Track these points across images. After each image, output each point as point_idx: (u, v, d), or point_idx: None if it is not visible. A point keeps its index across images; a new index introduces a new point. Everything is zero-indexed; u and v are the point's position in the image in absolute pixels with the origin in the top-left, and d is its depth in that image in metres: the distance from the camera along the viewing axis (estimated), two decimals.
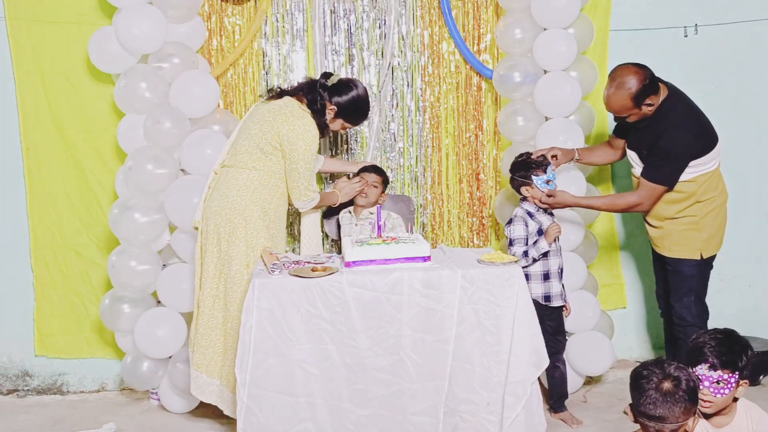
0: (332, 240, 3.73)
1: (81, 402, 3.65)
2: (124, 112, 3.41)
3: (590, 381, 3.67)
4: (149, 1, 3.31)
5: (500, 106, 3.76)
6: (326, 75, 3.22)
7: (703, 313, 3.24)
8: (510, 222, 3.22)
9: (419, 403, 2.72)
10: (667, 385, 1.96)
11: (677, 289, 3.21)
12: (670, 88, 3.12)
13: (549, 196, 3.13)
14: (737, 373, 2.13)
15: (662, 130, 3.02)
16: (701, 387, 2.11)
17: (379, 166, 3.60)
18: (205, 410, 3.46)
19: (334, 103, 3.16)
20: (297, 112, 3.11)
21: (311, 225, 3.38)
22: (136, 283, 3.36)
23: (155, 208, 3.32)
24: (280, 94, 3.20)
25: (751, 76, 3.90)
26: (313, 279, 2.67)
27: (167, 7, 3.30)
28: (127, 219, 3.30)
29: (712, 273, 4.02)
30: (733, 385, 2.13)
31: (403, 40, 3.75)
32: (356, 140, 3.79)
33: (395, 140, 3.80)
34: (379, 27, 3.73)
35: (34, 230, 3.64)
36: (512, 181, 3.28)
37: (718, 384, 2.12)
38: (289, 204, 3.24)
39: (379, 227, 2.98)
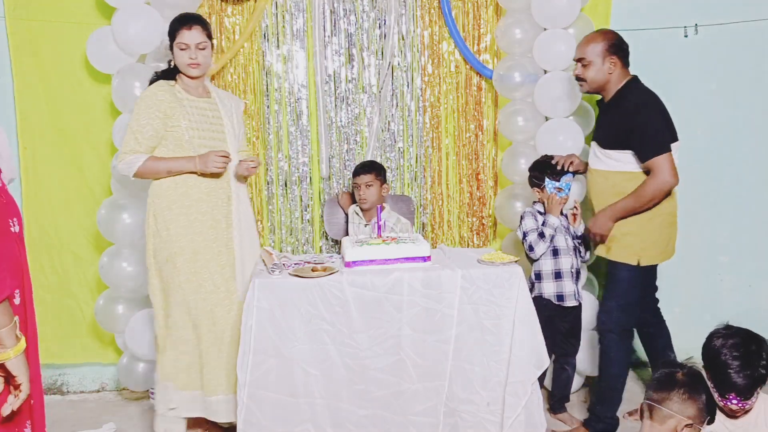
0: (332, 240, 3.73)
1: (81, 402, 3.65)
2: (120, 110, 3.41)
3: (590, 381, 3.66)
4: (147, 1, 3.31)
5: (500, 106, 3.76)
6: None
7: (625, 322, 3.04)
8: (520, 218, 3.23)
9: (419, 404, 2.71)
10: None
11: (606, 290, 3.08)
12: (635, 78, 3.06)
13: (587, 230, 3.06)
14: (762, 384, 2.15)
15: (632, 110, 2.92)
16: (730, 404, 2.14)
17: (373, 160, 3.57)
18: None
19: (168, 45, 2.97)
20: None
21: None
22: (128, 284, 3.35)
23: (143, 208, 3.29)
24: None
25: (751, 76, 3.89)
26: (313, 279, 2.66)
27: (165, 7, 3.29)
28: (115, 219, 3.29)
29: (712, 273, 4.03)
30: (759, 392, 2.16)
31: (403, 40, 3.75)
32: (356, 140, 3.79)
33: (395, 140, 3.80)
34: (379, 27, 3.73)
35: (30, 231, 3.62)
36: (529, 178, 3.28)
37: (746, 400, 2.15)
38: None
39: (379, 227, 2.98)
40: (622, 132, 2.90)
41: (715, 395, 2.15)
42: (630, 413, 3.30)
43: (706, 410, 1.99)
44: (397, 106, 3.78)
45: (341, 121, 3.77)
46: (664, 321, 3.36)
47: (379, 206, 3.12)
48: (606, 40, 3.00)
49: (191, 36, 2.88)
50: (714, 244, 3.99)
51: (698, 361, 2.15)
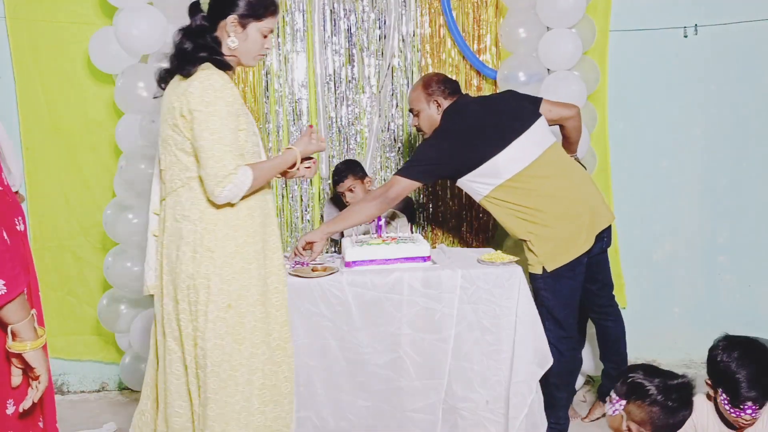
0: (332, 240, 3.73)
1: (81, 402, 3.65)
2: (123, 111, 3.41)
3: (590, 380, 3.67)
4: (149, 1, 3.31)
5: None
6: (194, 7, 2.30)
7: (560, 330, 2.90)
8: None
9: (418, 401, 2.72)
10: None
11: (537, 306, 2.86)
12: (453, 104, 3.03)
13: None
14: None
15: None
16: (744, 414, 2.12)
17: (344, 160, 3.58)
18: None
19: (221, 12, 2.25)
20: (198, 76, 2.18)
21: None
22: (132, 284, 3.35)
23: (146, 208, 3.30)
24: (163, 78, 2.32)
25: (751, 76, 3.89)
26: (313, 279, 2.67)
27: (167, 7, 3.29)
28: (120, 220, 3.29)
29: (712, 273, 4.03)
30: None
31: (403, 40, 3.75)
32: (356, 140, 3.79)
33: (395, 140, 3.80)
34: (379, 27, 3.73)
35: (33, 231, 3.63)
36: None
37: (760, 408, 2.13)
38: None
39: (379, 227, 2.98)
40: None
41: (728, 408, 2.14)
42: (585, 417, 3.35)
43: (655, 422, 1.98)
44: (397, 106, 3.78)
45: (341, 121, 3.77)
46: (614, 316, 3.22)
47: None
48: (424, 86, 3.06)
49: (275, 23, 2.34)
50: (714, 244, 3.99)
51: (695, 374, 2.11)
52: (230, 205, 2.19)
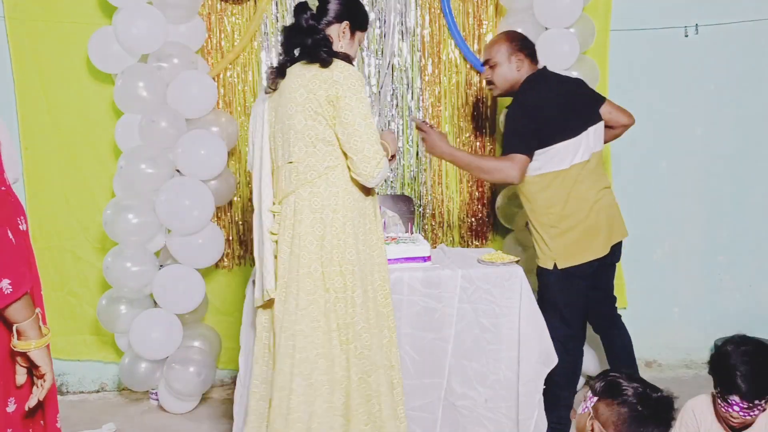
0: None
1: (81, 402, 3.65)
2: (123, 111, 3.41)
3: (590, 380, 3.67)
4: (149, 1, 3.31)
5: (500, 106, 3.76)
6: (302, 7, 2.38)
7: (566, 328, 2.89)
8: None
9: (418, 399, 2.72)
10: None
11: (541, 300, 2.90)
12: (539, 73, 2.97)
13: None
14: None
15: (511, 107, 2.92)
16: (732, 410, 2.12)
17: None
18: (205, 411, 3.47)
19: (338, 17, 2.36)
20: (337, 65, 2.29)
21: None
22: (132, 284, 3.34)
23: (149, 209, 3.29)
24: (281, 73, 2.38)
25: (751, 76, 3.89)
26: None
27: (167, 7, 3.29)
28: (120, 220, 3.28)
29: (712, 273, 4.03)
30: (764, 406, 2.12)
31: (403, 40, 3.75)
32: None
33: None
34: (379, 27, 3.73)
35: (32, 231, 3.61)
36: None
37: (750, 409, 2.12)
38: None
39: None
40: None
41: (720, 402, 2.14)
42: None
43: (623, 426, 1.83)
44: (397, 105, 3.78)
45: None
46: (618, 326, 3.20)
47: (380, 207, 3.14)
48: (510, 40, 2.98)
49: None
50: (714, 244, 3.99)
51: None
52: (367, 193, 2.35)
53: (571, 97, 2.94)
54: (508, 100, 3.67)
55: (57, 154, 3.60)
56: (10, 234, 1.52)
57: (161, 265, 3.40)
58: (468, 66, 3.77)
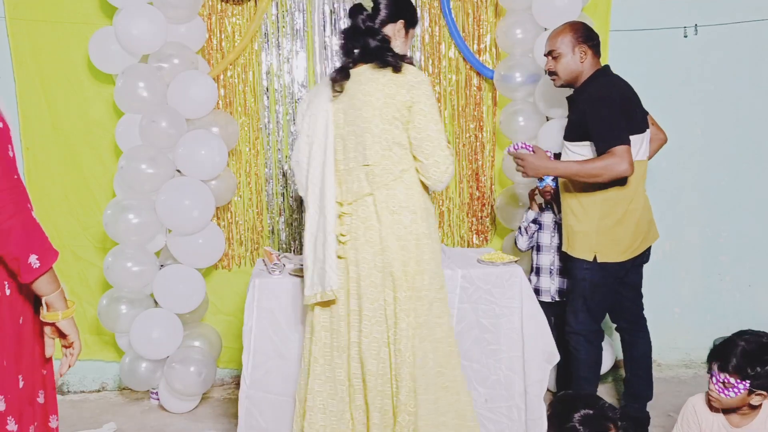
0: None
1: (81, 402, 3.66)
2: (123, 111, 3.41)
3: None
4: (149, 1, 3.31)
5: (500, 106, 3.76)
6: (358, 9, 2.41)
7: (592, 323, 2.92)
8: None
9: None
10: None
11: (571, 292, 2.97)
12: (604, 68, 2.96)
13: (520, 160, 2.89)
14: (747, 381, 2.12)
15: (591, 102, 2.83)
16: (710, 384, 2.16)
17: None
18: (206, 411, 3.47)
19: (393, 16, 2.41)
20: (409, 70, 2.33)
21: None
22: (132, 284, 3.35)
23: (149, 209, 3.29)
24: (347, 75, 2.37)
25: (751, 76, 3.90)
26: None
27: (167, 7, 3.30)
28: (120, 220, 3.28)
29: (712, 273, 4.03)
30: (741, 390, 2.13)
31: None
32: None
33: None
34: None
35: None
36: None
37: (724, 385, 2.14)
38: None
39: None
40: (581, 124, 2.84)
41: (709, 380, 2.19)
42: None
43: None
44: None
45: None
46: (644, 330, 3.16)
47: None
48: (574, 30, 2.95)
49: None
50: (714, 244, 3.99)
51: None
52: (428, 194, 2.43)
53: (634, 95, 2.95)
54: (506, 101, 3.70)
55: (57, 154, 3.60)
56: (34, 213, 1.62)
57: (161, 265, 3.41)
58: (468, 66, 3.77)
